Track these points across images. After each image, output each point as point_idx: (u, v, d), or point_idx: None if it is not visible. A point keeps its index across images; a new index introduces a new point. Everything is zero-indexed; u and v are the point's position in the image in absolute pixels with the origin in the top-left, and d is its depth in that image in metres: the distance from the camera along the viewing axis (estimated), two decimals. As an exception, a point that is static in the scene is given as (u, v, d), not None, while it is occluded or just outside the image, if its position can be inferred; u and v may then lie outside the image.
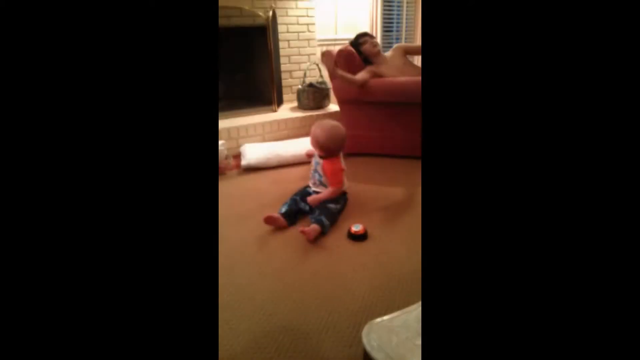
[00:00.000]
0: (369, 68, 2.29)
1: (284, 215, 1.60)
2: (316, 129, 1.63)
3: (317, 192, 1.69)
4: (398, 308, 1.08)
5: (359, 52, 2.33)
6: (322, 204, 1.62)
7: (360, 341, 0.95)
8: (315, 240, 1.45)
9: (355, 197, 1.81)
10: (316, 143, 1.63)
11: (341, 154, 1.70)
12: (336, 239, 1.47)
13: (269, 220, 1.56)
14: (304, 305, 1.10)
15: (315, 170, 1.71)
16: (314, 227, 1.46)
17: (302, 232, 1.44)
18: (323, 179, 1.67)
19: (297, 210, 1.66)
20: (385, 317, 0.73)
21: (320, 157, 1.67)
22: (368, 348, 0.66)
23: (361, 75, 2.19)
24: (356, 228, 1.45)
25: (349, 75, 2.17)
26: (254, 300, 1.12)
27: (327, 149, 1.63)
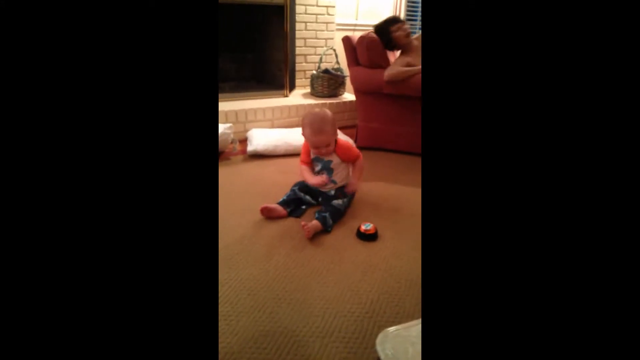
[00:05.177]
0: (405, 58, 2.19)
1: (283, 204, 1.58)
2: (316, 126, 1.51)
3: (326, 192, 1.65)
4: (408, 314, 1.06)
5: (387, 39, 2.20)
6: (327, 200, 1.59)
7: (366, 348, 0.93)
8: (313, 236, 1.42)
9: (366, 194, 1.78)
10: (325, 137, 1.52)
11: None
12: (344, 236, 1.44)
13: (265, 211, 1.54)
14: (308, 306, 1.08)
15: (325, 170, 1.63)
16: (314, 224, 1.43)
17: (303, 226, 1.42)
18: (333, 175, 1.62)
19: (297, 200, 1.64)
20: (401, 327, 0.71)
21: (328, 152, 1.58)
22: (382, 357, 0.64)
23: (411, 66, 2.14)
24: (366, 227, 1.43)
25: (407, 69, 2.11)
26: (255, 297, 1.10)
27: (333, 134, 1.56)
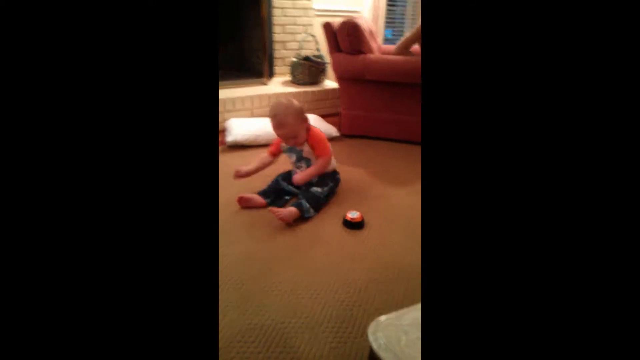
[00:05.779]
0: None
1: (262, 194, 1.55)
2: (277, 118, 1.48)
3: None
4: (397, 302, 1.05)
5: None
6: (306, 186, 1.55)
7: (356, 337, 0.92)
8: (298, 226, 1.40)
9: (351, 182, 1.77)
10: (288, 131, 1.49)
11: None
12: (330, 225, 1.42)
13: (242, 201, 1.51)
14: (296, 297, 1.06)
15: (300, 160, 1.60)
16: (289, 210, 1.40)
17: (272, 210, 1.38)
18: (312, 162, 1.59)
19: (279, 191, 1.61)
20: (392, 315, 0.69)
21: (298, 143, 1.55)
22: (375, 347, 0.63)
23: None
24: (352, 215, 1.41)
25: (406, 36, 2.29)
26: (241, 290, 1.07)
27: (298, 126, 1.50)
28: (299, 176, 1.51)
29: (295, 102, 1.52)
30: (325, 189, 1.57)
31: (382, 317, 0.69)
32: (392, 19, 3.83)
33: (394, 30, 3.92)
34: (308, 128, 1.55)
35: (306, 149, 1.57)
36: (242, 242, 1.30)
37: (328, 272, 1.16)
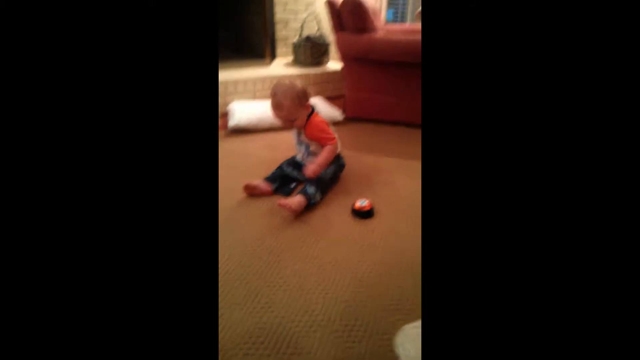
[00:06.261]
0: None
1: (269, 180, 1.49)
2: (275, 98, 1.42)
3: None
4: (410, 295, 1.00)
5: None
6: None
7: (372, 336, 0.87)
8: (304, 215, 1.35)
9: (358, 168, 1.71)
10: (286, 113, 1.43)
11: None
12: (339, 214, 1.37)
13: (248, 188, 1.46)
14: (306, 292, 1.01)
15: (300, 143, 1.55)
16: (297, 200, 1.34)
17: (280, 204, 1.32)
18: (311, 148, 1.52)
19: (285, 177, 1.55)
20: (418, 323, 0.65)
21: (297, 126, 1.50)
22: (403, 358, 0.58)
23: None
24: (361, 203, 1.35)
25: None
26: (247, 286, 1.03)
27: (297, 110, 1.43)
28: (310, 169, 1.44)
29: (298, 85, 1.44)
30: (329, 170, 1.51)
31: (409, 326, 0.64)
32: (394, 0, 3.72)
33: (395, 10, 3.80)
34: (310, 114, 1.48)
35: (304, 138, 1.52)
36: (247, 233, 1.25)
37: (338, 265, 1.11)
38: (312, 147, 1.53)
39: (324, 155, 1.48)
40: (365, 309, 0.96)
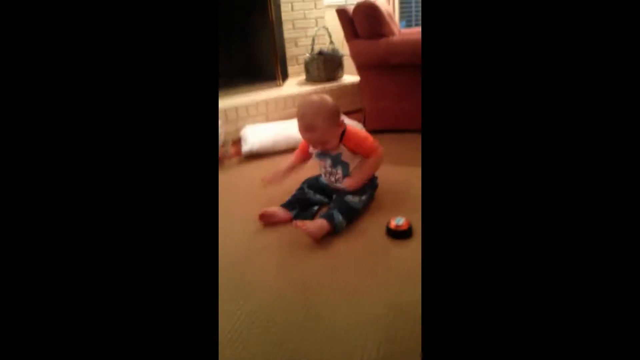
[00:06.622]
0: None
1: (287, 206, 1.32)
2: (305, 119, 1.24)
3: (338, 188, 1.36)
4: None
5: None
6: (339, 196, 1.31)
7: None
8: (332, 241, 1.18)
9: (389, 182, 1.52)
10: (320, 135, 1.25)
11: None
12: (372, 236, 1.19)
13: (265, 217, 1.29)
14: (343, 334, 0.83)
15: (337, 165, 1.35)
16: (318, 223, 1.17)
17: (297, 226, 1.15)
18: (352, 167, 1.34)
19: (305, 201, 1.37)
20: None
21: (331, 149, 1.30)
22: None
23: None
24: (398, 222, 1.18)
25: None
26: (271, 330, 0.86)
27: (332, 130, 1.26)
28: (351, 181, 1.29)
29: (329, 100, 1.28)
30: (364, 198, 1.32)
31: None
32: (406, 10, 3.62)
33: (406, 22, 3.71)
34: (345, 129, 1.31)
35: (345, 152, 1.32)
36: (266, 270, 1.09)
37: (377, 299, 0.93)
38: (353, 165, 1.34)
39: (369, 166, 1.32)
40: (414, 351, 0.77)
